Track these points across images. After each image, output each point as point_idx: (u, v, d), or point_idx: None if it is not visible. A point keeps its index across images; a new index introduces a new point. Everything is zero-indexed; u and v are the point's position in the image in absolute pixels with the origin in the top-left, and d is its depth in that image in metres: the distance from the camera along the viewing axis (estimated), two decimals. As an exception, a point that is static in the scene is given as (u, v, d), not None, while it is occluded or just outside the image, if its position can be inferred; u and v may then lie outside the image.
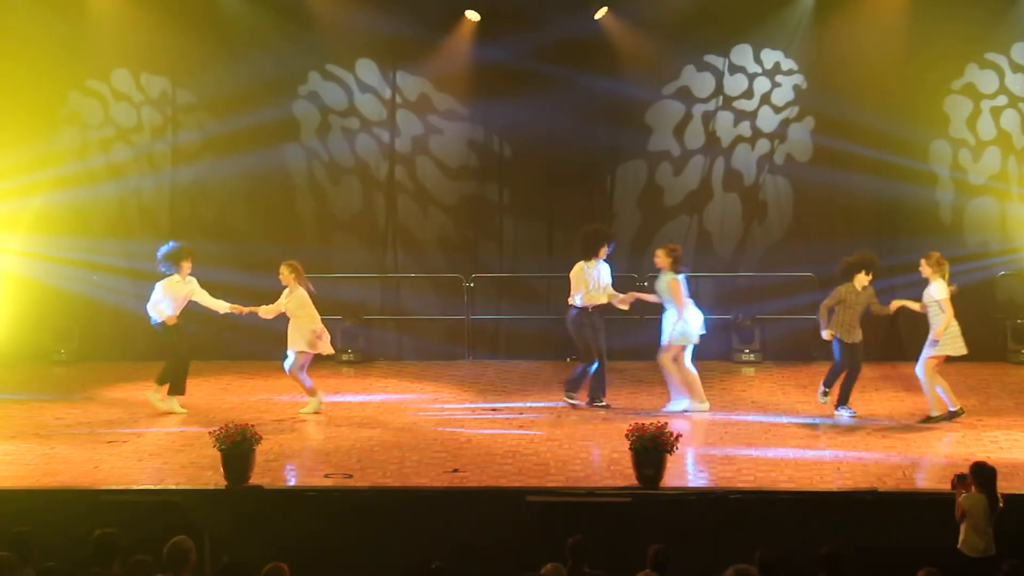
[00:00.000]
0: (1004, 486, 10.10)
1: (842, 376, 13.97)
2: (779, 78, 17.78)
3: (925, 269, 13.67)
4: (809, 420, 13.96)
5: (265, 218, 18.10)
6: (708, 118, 17.87)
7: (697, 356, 17.55)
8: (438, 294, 18.18)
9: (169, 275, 14.43)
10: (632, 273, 17.89)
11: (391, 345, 18.23)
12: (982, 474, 9.86)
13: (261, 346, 16.46)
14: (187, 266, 14.45)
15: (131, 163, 18.24)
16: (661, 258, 14.37)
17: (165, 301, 14.35)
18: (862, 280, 13.93)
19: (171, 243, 14.70)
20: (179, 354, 14.42)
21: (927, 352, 13.58)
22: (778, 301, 17.26)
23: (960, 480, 9.95)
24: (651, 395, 15.48)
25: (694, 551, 10.01)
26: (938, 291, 13.49)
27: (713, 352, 17.72)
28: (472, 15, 17.77)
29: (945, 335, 13.46)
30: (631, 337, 17.71)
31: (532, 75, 17.34)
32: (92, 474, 12.13)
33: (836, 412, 13.96)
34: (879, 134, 17.42)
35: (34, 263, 17.90)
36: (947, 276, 13.61)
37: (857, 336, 13.87)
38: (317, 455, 12.84)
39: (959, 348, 13.61)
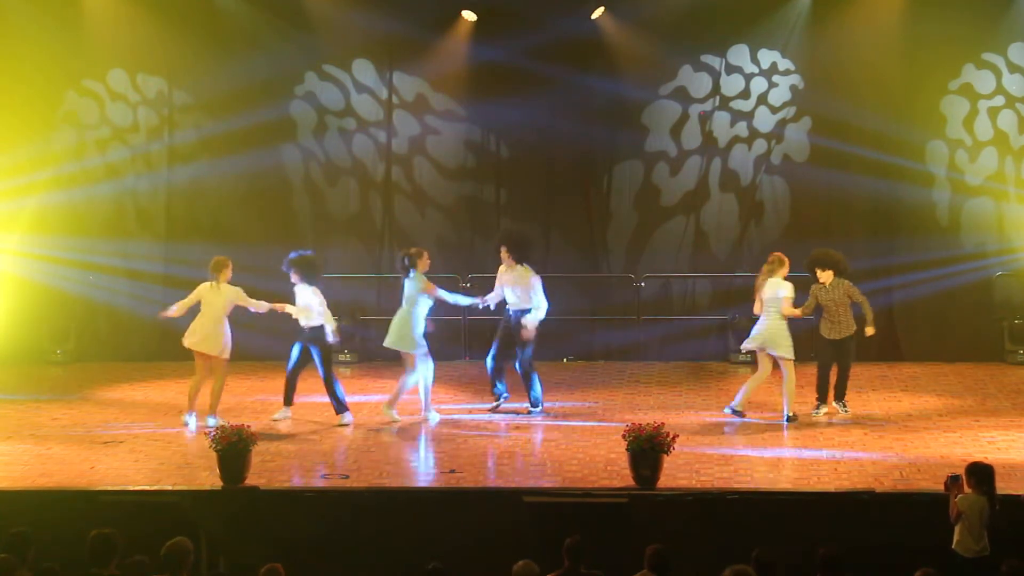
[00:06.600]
0: (1001, 486, 10.07)
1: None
2: (776, 78, 17.74)
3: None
4: (806, 420, 13.96)
5: (262, 218, 18.06)
6: (705, 118, 17.85)
7: (694, 356, 17.71)
8: (435, 294, 18.14)
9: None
10: (629, 274, 17.91)
11: (388, 346, 18.19)
12: (980, 474, 9.81)
13: (259, 346, 16.46)
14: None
15: (127, 163, 18.20)
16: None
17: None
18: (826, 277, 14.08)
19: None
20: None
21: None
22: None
23: (953, 481, 9.86)
24: (648, 395, 15.49)
25: (691, 552, 10.02)
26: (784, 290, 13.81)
27: (710, 353, 17.79)
28: (469, 15, 17.74)
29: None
30: (629, 337, 17.75)
31: (529, 75, 17.31)
32: (88, 475, 12.13)
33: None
34: (876, 134, 17.40)
35: (31, 263, 17.85)
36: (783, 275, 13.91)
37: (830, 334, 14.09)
38: (314, 455, 12.82)
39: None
